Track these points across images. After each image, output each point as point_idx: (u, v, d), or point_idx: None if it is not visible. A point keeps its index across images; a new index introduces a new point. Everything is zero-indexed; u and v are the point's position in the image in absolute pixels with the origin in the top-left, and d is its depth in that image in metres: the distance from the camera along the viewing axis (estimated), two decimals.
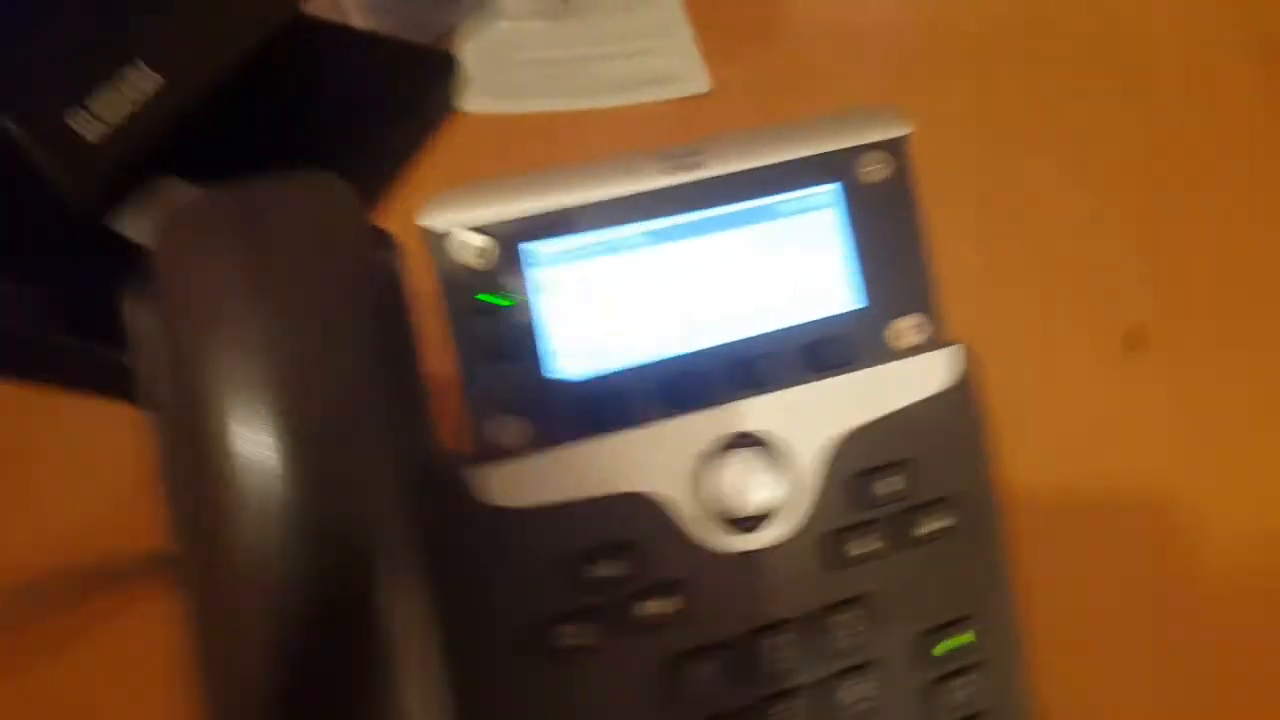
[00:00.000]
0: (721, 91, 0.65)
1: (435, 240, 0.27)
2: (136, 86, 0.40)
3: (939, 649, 0.29)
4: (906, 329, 0.30)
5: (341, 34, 0.64)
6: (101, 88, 0.38)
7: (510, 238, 0.28)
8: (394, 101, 0.59)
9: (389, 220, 0.26)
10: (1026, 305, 0.52)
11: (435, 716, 0.22)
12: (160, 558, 0.37)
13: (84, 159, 0.38)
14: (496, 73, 0.66)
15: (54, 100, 0.37)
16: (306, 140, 0.54)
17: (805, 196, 0.30)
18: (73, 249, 0.44)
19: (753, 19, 0.72)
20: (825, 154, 0.30)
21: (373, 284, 0.25)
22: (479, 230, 0.28)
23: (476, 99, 0.64)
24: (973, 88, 0.65)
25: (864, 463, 0.29)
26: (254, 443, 0.22)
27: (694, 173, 0.29)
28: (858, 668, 0.28)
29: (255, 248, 0.23)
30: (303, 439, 0.22)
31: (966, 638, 0.29)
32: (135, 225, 0.47)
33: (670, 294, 0.29)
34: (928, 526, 0.29)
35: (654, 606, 0.27)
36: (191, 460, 0.22)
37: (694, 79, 0.66)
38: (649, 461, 0.28)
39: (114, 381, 0.44)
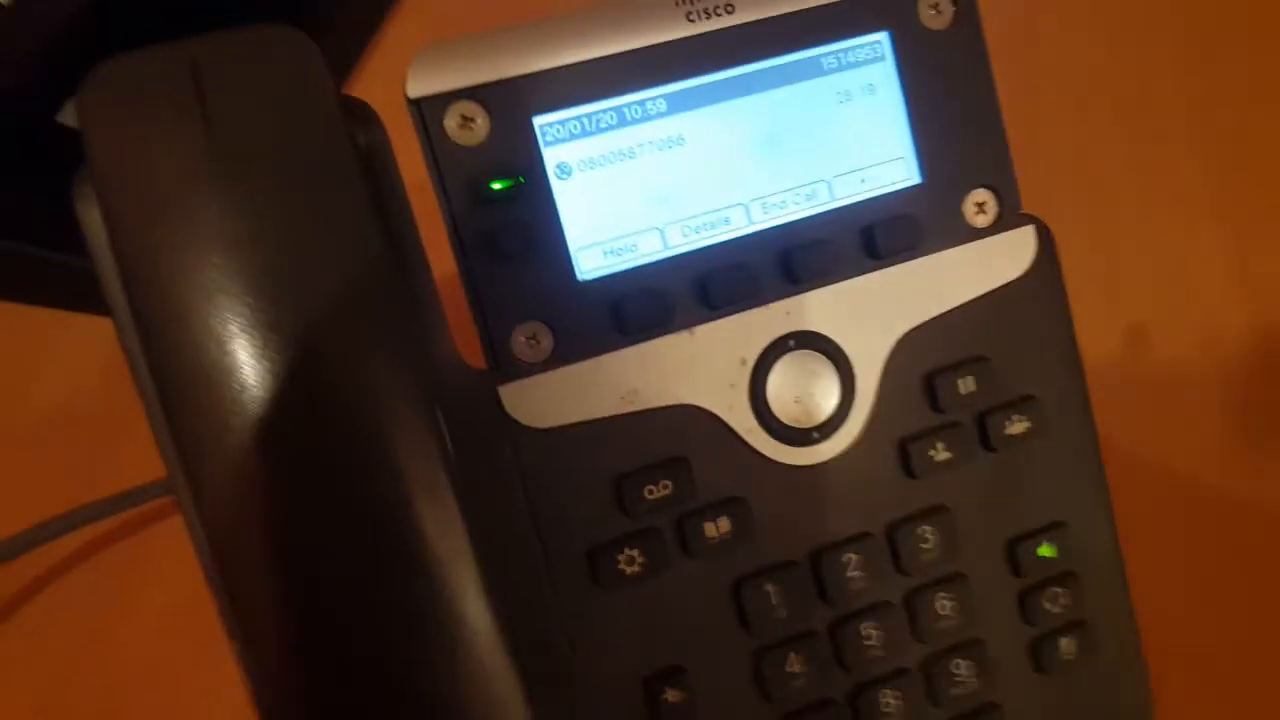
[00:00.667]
0: None
1: (424, 111, 0.23)
2: None
3: (1032, 555, 0.26)
4: (975, 207, 0.26)
5: None
6: None
7: (513, 106, 0.23)
8: None
9: (362, 93, 0.22)
10: (1098, 175, 0.47)
11: (484, 634, 0.20)
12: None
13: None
14: None
15: None
16: (257, 5, 0.48)
17: (853, 47, 0.25)
18: (29, 150, 0.39)
19: None
20: None
21: (352, 159, 0.20)
22: (474, 98, 0.23)
23: None
24: None
25: (933, 362, 0.26)
26: (227, 355, 0.18)
27: (723, 19, 0.24)
28: (944, 580, 0.26)
29: (203, 116, 0.19)
30: (286, 351, 0.18)
31: (1060, 543, 0.26)
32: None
33: (701, 170, 0.24)
34: (1009, 428, 0.26)
35: (714, 527, 0.24)
36: (163, 375, 0.19)
37: None
38: (694, 370, 0.24)
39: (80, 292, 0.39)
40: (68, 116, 0.41)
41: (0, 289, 0.41)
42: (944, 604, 0.26)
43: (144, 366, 0.20)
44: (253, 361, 0.18)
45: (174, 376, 0.19)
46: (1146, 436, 0.37)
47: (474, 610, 0.20)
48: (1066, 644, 0.26)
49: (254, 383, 0.18)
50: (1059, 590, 0.26)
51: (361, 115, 0.22)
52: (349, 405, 0.19)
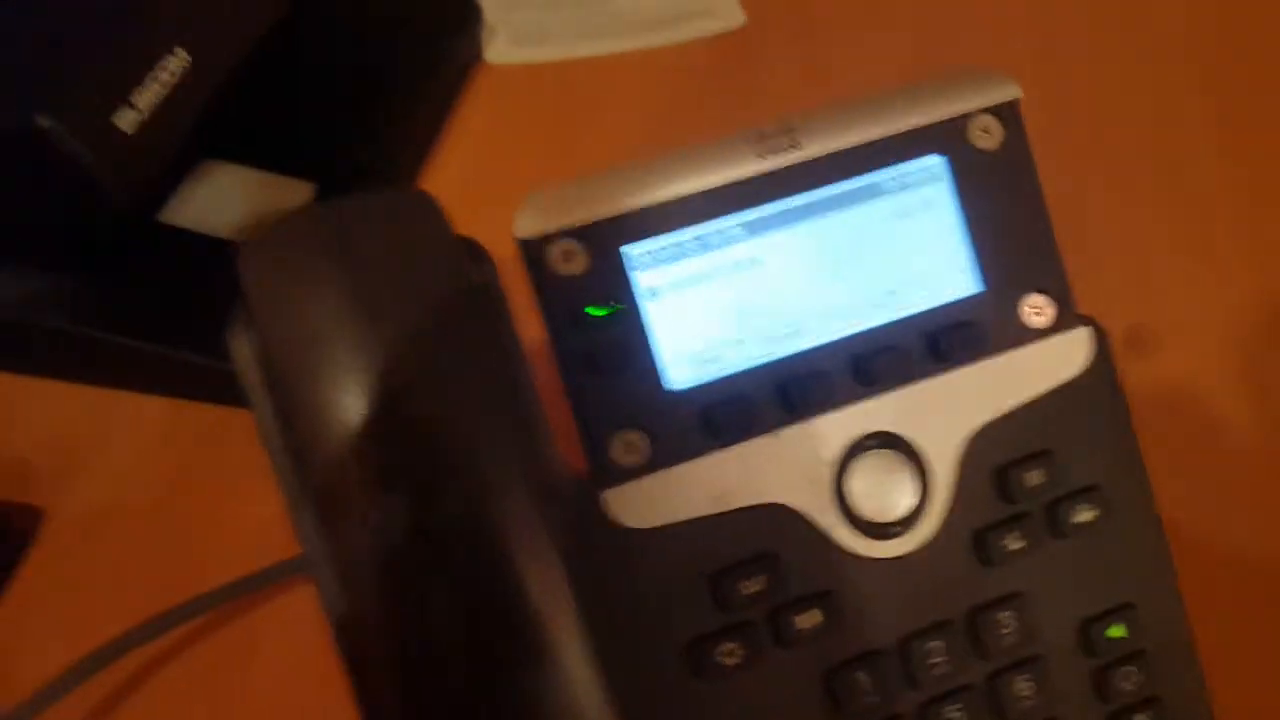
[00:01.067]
0: (756, 25, 0.62)
1: (529, 250, 0.25)
2: (168, 69, 0.37)
3: (1104, 636, 0.28)
4: (1032, 310, 0.28)
5: None
6: (142, 79, 0.36)
7: (607, 240, 0.26)
8: (419, 57, 0.56)
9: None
10: (1149, 278, 0.49)
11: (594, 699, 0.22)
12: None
13: (122, 149, 0.36)
14: (517, 18, 0.63)
15: (94, 97, 0.35)
16: (335, 107, 0.52)
17: (910, 171, 0.28)
18: (122, 243, 0.42)
19: None
20: (929, 125, 0.28)
21: (473, 299, 0.23)
22: (572, 236, 0.26)
23: (501, 48, 0.61)
24: (1025, 26, 0.61)
25: (1003, 456, 0.27)
26: (368, 465, 0.21)
27: (791, 154, 0.27)
28: (1023, 662, 0.27)
29: (349, 268, 0.22)
30: (420, 461, 0.22)
31: (1130, 623, 0.28)
32: (181, 213, 0.45)
33: (777, 287, 0.27)
34: (1078, 516, 0.28)
35: (805, 619, 0.26)
36: (310, 475, 0.22)
37: (726, 13, 0.63)
38: (779, 470, 0.26)
39: (172, 379, 0.43)
40: (168, 215, 0.45)
41: (93, 372, 0.45)
42: (1023, 684, 0.27)
43: (288, 465, 0.23)
44: (390, 470, 0.21)
45: (320, 478, 0.22)
46: (1209, 514, 0.38)
47: (590, 699, 0.22)
48: None
49: (391, 487, 0.21)
50: (1131, 669, 0.28)
51: (476, 254, 0.25)
52: (476, 507, 0.22)
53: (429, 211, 0.23)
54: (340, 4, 0.57)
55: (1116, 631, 0.28)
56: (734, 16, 0.62)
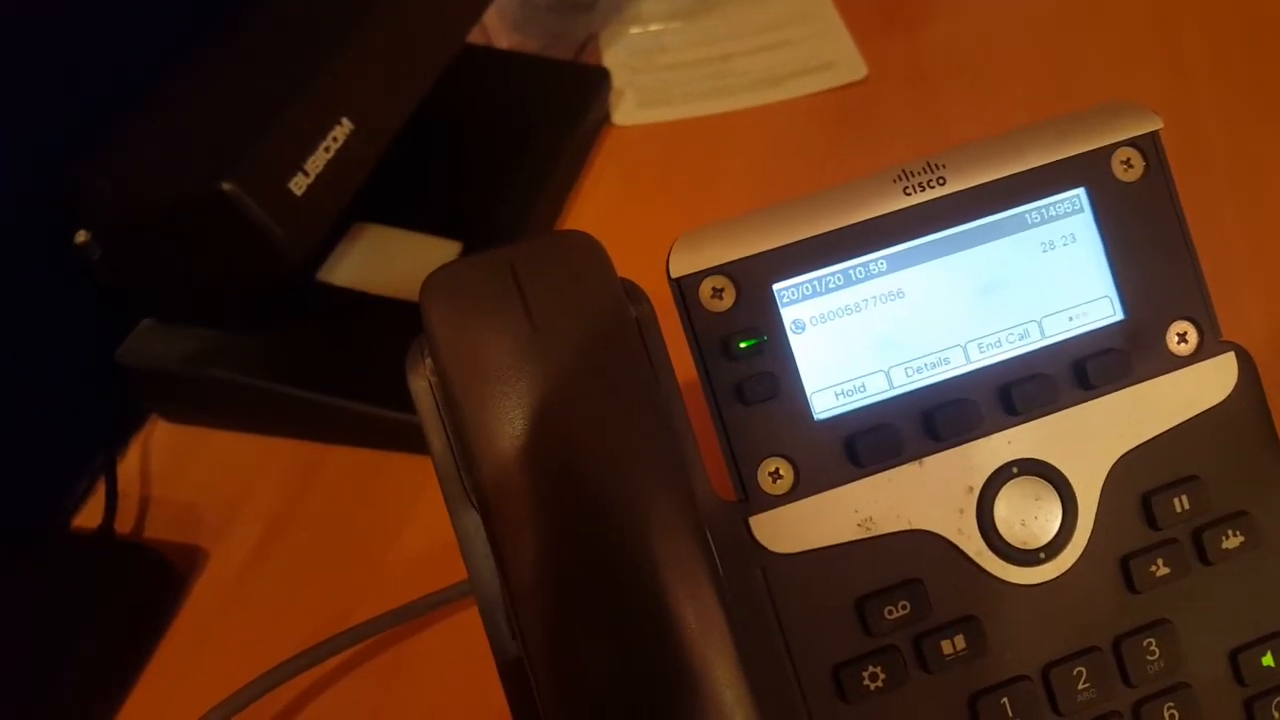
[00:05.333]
0: (878, 76, 0.63)
1: (682, 288, 0.27)
2: (335, 137, 0.41)
3: (1255, 665, 0.28)
4: (1176, 337, 0.28)
5: (491, 57, 0.64)
6: (313, 148, 0.39)
7: (755, 277, 0.27)
8: (554, 120, 0.59)
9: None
10: None
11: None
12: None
13: (294, 211, 0.39)
14: (642, 80, 0.66)
15: (271, 164, 0.38)
16: (476, 170, 0.55)
17: (1054, 203, 0.28)
18: (287, 301, 0.46)
19: None
20: (1072, 158, 0.28)
21: (635, 338, 0.25)
22: (722, 273, 0.27)
23: (628, 110, 0.64)
24: (1157, 60, 0.61)
25: (1148, 483, 0.28)
26: (543, 495, 0.23)
27: (936, 190, 0.28)
28: (1170, 690, 0.27)
29: (524, 310, 0.24)
30: (587, 489, 0.23)
31: None
32: (338, 272, 0.48)
33: (921, 318, 0.28)
34: (1226, 543, 0.27)
35: (951, 644, 0.26)
36: (483, 504, 0.23)
37: (848, 65, 0.64)
38: (923, 497, 0.27)
39: (331, 425, 0.45)
40: (325, 274, 0.48)
41: (258, 421, 0.48)
42: (1171, 714, 0.27)
43: (458, 496, 0.25)
44: (559, 497, 0.23)
45: (492, 506, 0.23)
46: None
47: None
48: None
49: (558, 513, 0.23)
50: None
51: (633, 294, 0.26)
52: (637, 533, 0.23)
53: (593, 251, 0.25)
54: (478, 72, 0.61)
55: (1269, 660, 0.27)
56: (856, 69, 0.64)
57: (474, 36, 0.66)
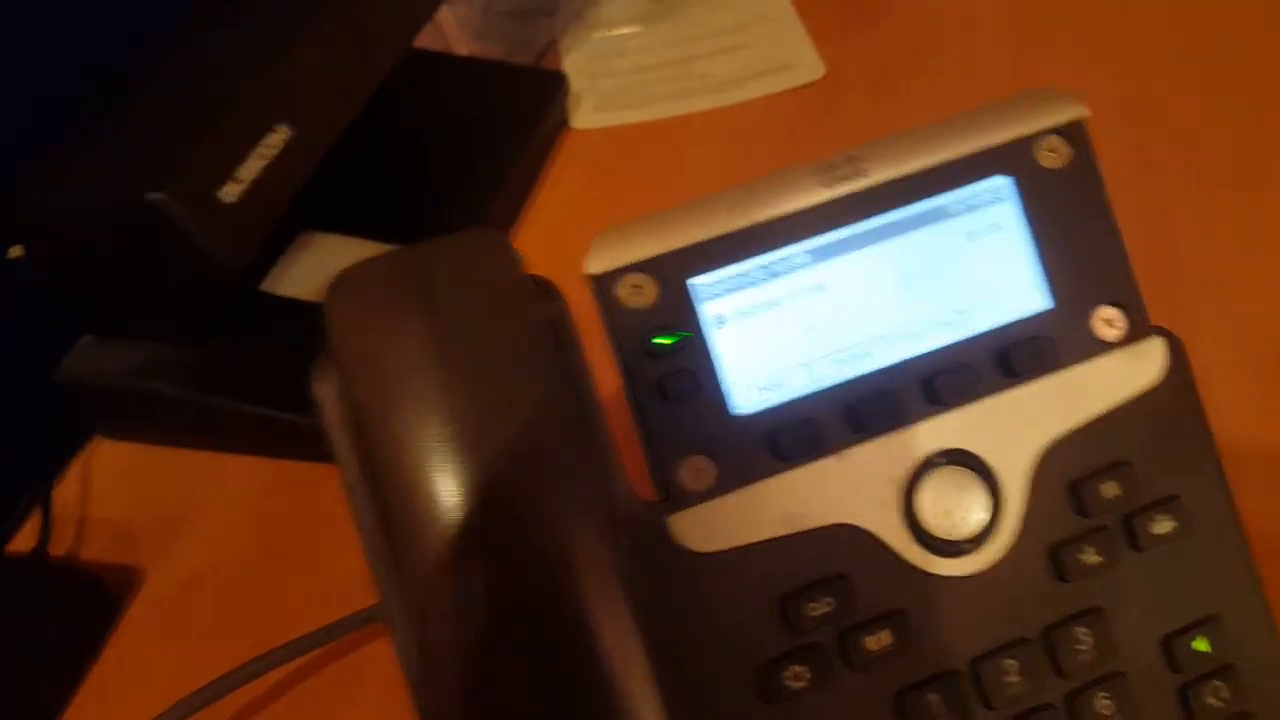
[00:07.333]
0: (836, 76, 0.63)
1: (600, 284, 0.26)
2: (270, 144, 0.40)
3: (1188, 650, 0.27)
4: (1104, 323, 0.28)
5: (448, 63, 0.64)
6: (246, 155, 0.38)
7: (674, 273, 0.27)
8: (509, 126, 0.58)
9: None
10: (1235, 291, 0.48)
11: None
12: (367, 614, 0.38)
13: (224, 219, 0.38)
14: (602, 84, 0.65)
15: (201, 173, 0.38)
16: (430, 175, 0.55)
17: (977, 192, 0.28)
18: (227, 313, 0.45)
19: None
20: (995, 147, 0.28)
21: (544, 335, 0.24)
22: (642, 270, 0.27)
23: (586, 114, 0.63)
24: (1105, 59, 0.61)
25: (1077, 470, 0.27)
26: (447, 497, 0.22)
27: (857, 182, 0.27)
28: (1103, 679, 0.27)
29: (428, 312, 0.23)
30: (492, 494, 0.22)
31: (1216, 636, 0.27)
32: (282, 282, 0.48)
33: (844, 311, 0.27)
34: (1155, 528, 0.27)
35: (877, 640, 0.26)
36: (386, 516, 0.23)
37: (806, 65, 0.64)
38: (847, 491, 0.27)
39: (272, 439, 0.45)
40: (270, 284, 0.48)
41: (198, 437, 0.47)
42: (1104, 703, 0.27)
43: (366, 506, 0.24)
44: (464, 503, 0.22)
45: (397, 514, 0.22)
46: None
47: None
48: None
49: (464, 520, 0.22)
50: (1219, 684, 0.27)
51: (546, 291, 0.26)
52: (542, 536, 0.22)
53: (501, 249, 0.25)
54: (433, 78, 0.60)
55: (1201, 645, 0.27)
56: (814, 69, 0.63)
57: (433, 44, 0.66)
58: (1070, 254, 0.28)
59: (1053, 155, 0.28)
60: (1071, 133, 0.28)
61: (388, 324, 0.23)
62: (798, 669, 0.26)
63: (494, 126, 0.58)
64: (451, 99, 0.60)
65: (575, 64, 0.67)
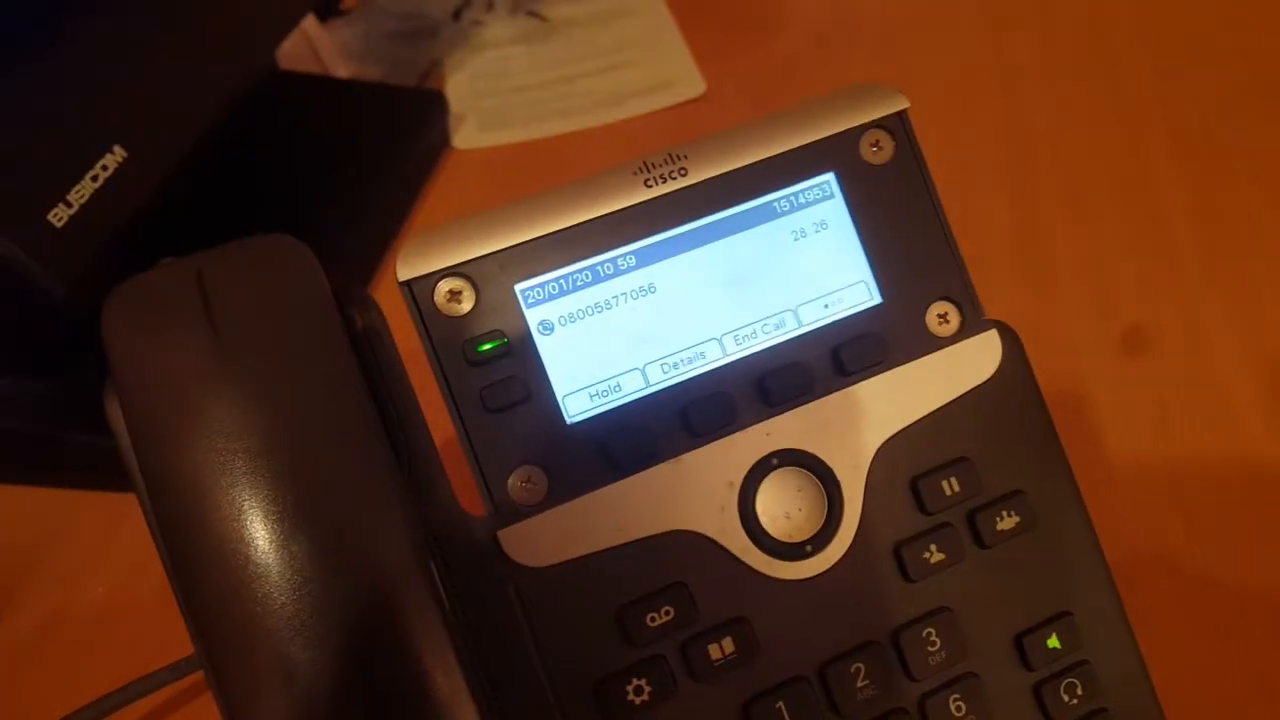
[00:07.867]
0: (718, 93, 0.63)
1: (413, 291, 0.25)
2: (103, 165, 0.38)
3: (1041, 648, 0.27)
4: (937, 318, 0.27)
5: (324, 86, 0.63)
6: (78, 178, 0.37)
7: (495, 278, 0.26)
8: (385, 146, 0.57)
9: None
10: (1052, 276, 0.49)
11: None
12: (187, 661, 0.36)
13: (53, 244, 0.36)
14: (486, 104, 0.65)
15: (27, 197, 0.36)
16: (303, 200, 0.53)
17: (803, 190, 0.27)
18: (77, 344, 0.43)
19: (743, 16, 0.69)
20: (817, 142, 0.27)
21: (338, 345, 0.22)
22: (458, 274, 0.25)
23: (469, 134, 0.62)
24: (977, 70, 0.62)
25: (916, 467, 0.27)
26: (234, 526, 0.20)
27: (678, 181, 0.27)
28: (956, 681, 0.26)
29: (209, 325, 0.21)
30: (286, 521, 0.20)
31: (1068, 633, 0.27)
32: None
33: (674, 313, 0.26)
34: (1000, 524, 0.27)
35: (719, 649, 0.25)
36: (178, 548, 0.21)
37: (687, 83, 0.64)
38: (684, 496, 0.26)
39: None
40: None
41: (51, 473, 0.45)
42: (958, 705, 0.26)
43: (155, 526, 0.22)
44: (257, 531, 0.20)
45: (183, 548, 0.21)
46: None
47: None
48: None
49: (257, 548, 0.20)
50: (1074, 680, 0.26)
51: (360, 302, 0.24)
52: (347, 564, 0.21)
53: (296, 255, 0.23)
54: (308, 100, 0.59)
55: (1054, 642, 0.27)
56: (695, 86, 0.63)
57: (309, 67, 0.65)
58: (899, 249, 0.27)
59: (877, 149, 0.28)
60: (894, 125, 0.28)
61: (163, 335, 0.21)
62: (639, 682, 0.25)
63: (370, 146, 0.57)
64: (327, 120, 0.59)
65: (459, 84, 0.66)
